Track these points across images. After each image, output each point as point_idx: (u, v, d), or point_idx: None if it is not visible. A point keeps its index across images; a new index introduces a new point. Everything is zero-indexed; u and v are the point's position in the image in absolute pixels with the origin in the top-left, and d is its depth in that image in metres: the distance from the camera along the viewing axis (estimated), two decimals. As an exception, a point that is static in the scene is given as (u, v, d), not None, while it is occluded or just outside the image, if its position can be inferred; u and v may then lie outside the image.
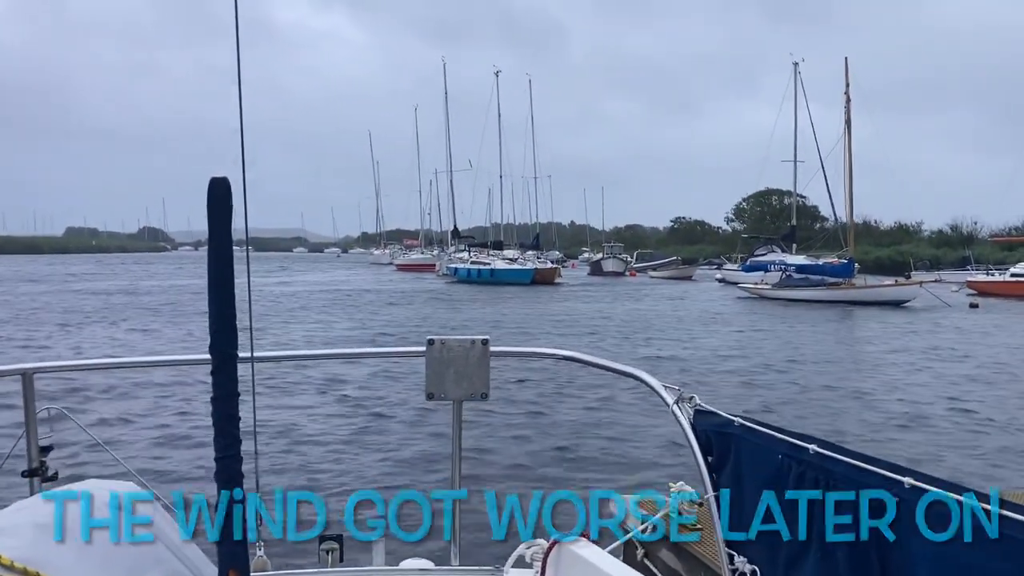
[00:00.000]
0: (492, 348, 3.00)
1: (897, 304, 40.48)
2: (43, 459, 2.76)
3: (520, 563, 2.67)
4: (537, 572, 2.56)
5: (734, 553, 2.39)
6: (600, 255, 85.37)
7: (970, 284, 50.91)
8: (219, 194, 1.83)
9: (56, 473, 2.78)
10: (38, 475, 2.74)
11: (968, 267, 56.21)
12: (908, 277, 51.18)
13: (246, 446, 1.92)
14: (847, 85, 46.99)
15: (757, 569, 2.30)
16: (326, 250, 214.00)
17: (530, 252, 70.31)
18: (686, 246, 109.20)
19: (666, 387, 2.67)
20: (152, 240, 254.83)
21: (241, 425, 1.91)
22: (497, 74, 78.94)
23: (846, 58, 47.43)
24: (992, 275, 52.32)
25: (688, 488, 2.65)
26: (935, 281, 42.99)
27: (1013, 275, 50.25)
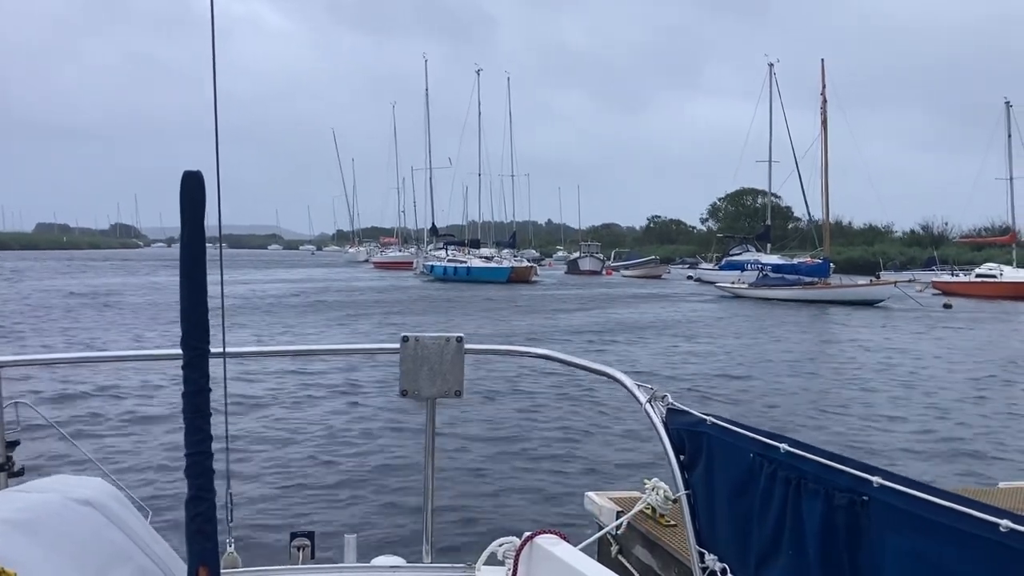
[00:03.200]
0: (467, 346, 2.99)
1: (871, 304, 40.92)
2: (9, 454, 2.72)
3: (492, 560, 2.66)
4: (509, 569, 2.56)
5: (705, 551, 2.40)
6: (577, 254, 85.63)
7: (935, 284, 51.41)
8: (192, 188, 1.81)
9: (23, 468, 2.75)
10: (4, 470, 2.70)
11: (933, 267, 56.82)
12: (878, 277, 51.71)
13: (217, 442, 1.91)
14: (823, 86, 47.48)
15: (727, 567, 2.31)
16: (301, 247, 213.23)
17: (506, 251, 70.35)
18: (662, 245, 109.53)
19: (639, 386, 2.68)
20: (124, 237, 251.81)
21: (212, 420, 1.90)
22: (479, 72, 78.80)
23: (822, 60, 47.95)
24: (956, 276, 52.90)
25: (662, 485, 2.66)
26: (909, 281, 43.48)
27: (978, 275, 50.89)
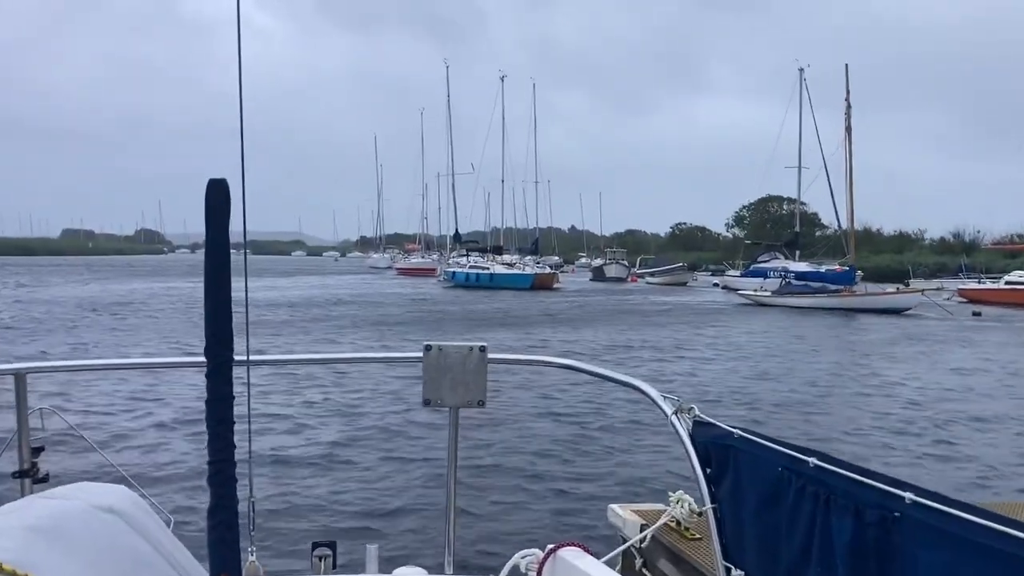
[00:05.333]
0: (490, 355, 2.97)
1: (898, 312, 40.40)
2: (34, 460, 2.74)
3: (515, 572, 2.63)
4: None
5: (731, 566, 2.37)
6: (601, 260, 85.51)
7: (961, 292, 50.47)
8: (217, 196, 1.81)
9: (47, 474, 2.76)
10: (29, 476, 2.72)
11: (960, 274, 55.86)
12: (907, 284, 51.03)
13: (240, 450, 1.90)
14: (847, 92, 47.07)
15: None
16: (324, 254, 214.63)
17: (529, 257, 70.38)
18: (687, 252, 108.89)
19: (665, 397, 2.65)
20: (149, 242, 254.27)
21: (235, 429, 1.89)
22: (503, 78, 78.76)
23: (846, 64, 47.55)
24: (983, 283, 51.90)
25: (687, 498, 2.63)
26: (937, 289, 42.87)
27: (1008, 283, 49.86)
